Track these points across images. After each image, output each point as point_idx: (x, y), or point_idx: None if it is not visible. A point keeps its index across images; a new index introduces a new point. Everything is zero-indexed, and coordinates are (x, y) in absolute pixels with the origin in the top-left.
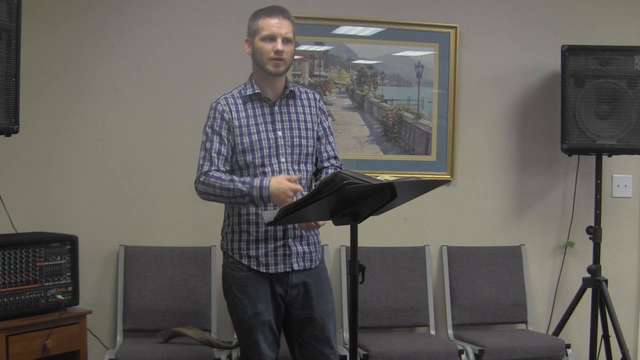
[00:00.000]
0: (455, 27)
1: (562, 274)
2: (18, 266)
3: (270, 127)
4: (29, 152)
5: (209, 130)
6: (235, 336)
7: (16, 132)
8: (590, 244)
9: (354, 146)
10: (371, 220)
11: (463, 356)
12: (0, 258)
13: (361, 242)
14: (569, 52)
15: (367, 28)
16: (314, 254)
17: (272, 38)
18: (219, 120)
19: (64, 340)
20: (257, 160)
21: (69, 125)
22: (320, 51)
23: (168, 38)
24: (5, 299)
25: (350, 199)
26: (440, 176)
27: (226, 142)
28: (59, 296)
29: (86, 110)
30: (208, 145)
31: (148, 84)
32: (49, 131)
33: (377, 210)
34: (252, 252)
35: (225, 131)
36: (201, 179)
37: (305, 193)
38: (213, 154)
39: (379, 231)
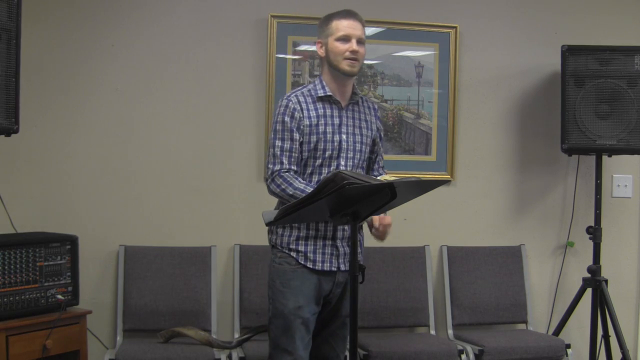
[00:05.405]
0: (455, 27)
1: (562, 274)
2: (18, 266)
3: (337, 129)
4: (29, 152)
5: (279, 127)
6: (235, 338)
7: (16, 132)
8: (590, 244)
9: None
10: None
11: (463, 356)
12: (0, 258)
13: None
14: (569, 52)
15: (367, 28)
16: (359, 256)
17: (346, 39)
18: (289, 118)
19: (64, 340)
20: (318, 161)
21: (69, 125)
22: None
23: (168, 38)
24: (5, 299)
25: (350, 199)
26: (440, 176)
27: (296, 139)
28: (59, 296)
29: (86, 110)
30: (278, 143)
31: (148, 84)
32: (49, 131)
33: (377, 210)
34: (301, 248)
35: (295, 129)
36: (274, 179)
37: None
38: (283, 153)
39: None
